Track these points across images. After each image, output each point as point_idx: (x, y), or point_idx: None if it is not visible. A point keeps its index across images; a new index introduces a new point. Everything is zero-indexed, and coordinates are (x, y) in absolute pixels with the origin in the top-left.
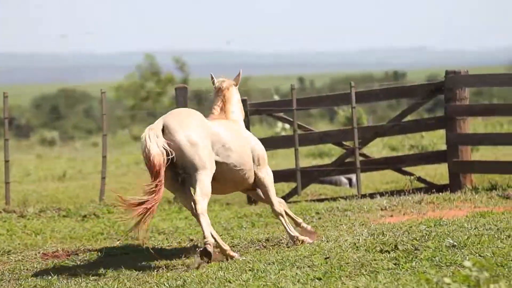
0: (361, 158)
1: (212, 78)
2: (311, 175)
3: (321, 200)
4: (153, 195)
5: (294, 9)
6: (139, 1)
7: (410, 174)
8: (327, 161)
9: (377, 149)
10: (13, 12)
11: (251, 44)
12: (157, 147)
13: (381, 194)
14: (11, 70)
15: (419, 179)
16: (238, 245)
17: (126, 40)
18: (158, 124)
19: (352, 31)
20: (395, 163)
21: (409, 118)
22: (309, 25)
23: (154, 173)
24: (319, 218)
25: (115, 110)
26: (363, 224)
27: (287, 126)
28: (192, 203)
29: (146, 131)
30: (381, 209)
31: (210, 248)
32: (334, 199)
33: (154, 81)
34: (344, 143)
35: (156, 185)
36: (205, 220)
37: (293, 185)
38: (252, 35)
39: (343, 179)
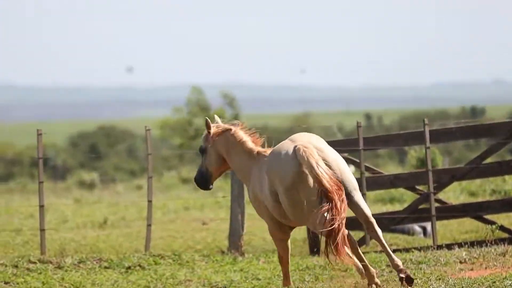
0: (436, 205)
1: (209, 123)
2: (381, 223)
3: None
4: (339, 212)
5: (361, 40)
6: (177, 29)
7: (492, 222)
8: (398, 207)
9: (454, 194)
10: (37, 43)
11: (309, 77)
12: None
13: (460, 245)
14: (44, 105)
15: (502, 228)
16: None
17: (165, 72)
18: (307, 147)
19: (424, 63)
20: (475, 210)
21: (489, 160)
22: (377, 57)
23: (334, 192)
24: (390, 271)
25: (161, 149)
26: (440, 279)
27: (352, 168)
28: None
29: (308, 153)
30: (460, 262)
31: (410, 273)
32: (407, 250)
33: (203, 117)
34: (417, 187)
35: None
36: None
37: (360, 234)
38: (309, 67)
39: (416, 227)
